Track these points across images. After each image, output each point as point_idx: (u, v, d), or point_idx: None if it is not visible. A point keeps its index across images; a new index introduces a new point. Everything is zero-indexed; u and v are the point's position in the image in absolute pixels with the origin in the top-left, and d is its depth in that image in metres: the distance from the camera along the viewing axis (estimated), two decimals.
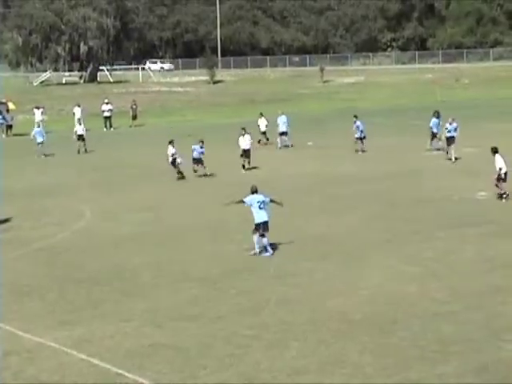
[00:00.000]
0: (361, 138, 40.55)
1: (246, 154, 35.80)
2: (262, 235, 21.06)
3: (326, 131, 50.59)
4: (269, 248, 21.18)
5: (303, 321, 16.05)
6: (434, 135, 39.38)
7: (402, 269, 19.53)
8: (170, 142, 33.93)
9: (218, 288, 18.50)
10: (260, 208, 21.06)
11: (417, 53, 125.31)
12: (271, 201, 21.56)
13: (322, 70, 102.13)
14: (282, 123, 44.11)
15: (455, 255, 20.58)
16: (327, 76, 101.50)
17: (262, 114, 44.93)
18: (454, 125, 36.85)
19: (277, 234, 22.71)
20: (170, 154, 33.61)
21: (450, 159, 36.24)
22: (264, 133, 44.16)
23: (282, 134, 44.13)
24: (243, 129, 36.66)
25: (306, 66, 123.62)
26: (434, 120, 39.22)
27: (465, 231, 23.02)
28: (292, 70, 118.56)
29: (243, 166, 35.66)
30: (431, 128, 39.25)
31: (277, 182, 32.47)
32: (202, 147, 34.12)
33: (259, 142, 43.49)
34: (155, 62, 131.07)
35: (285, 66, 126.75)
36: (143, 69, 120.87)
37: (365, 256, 20.84)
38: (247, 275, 19.48)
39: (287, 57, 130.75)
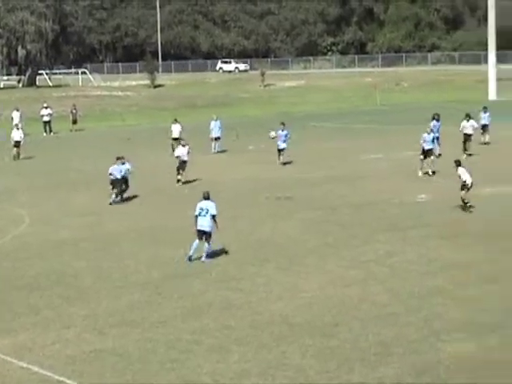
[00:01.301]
0: (281, 149, 37.87)
1: (182, 165, 33.16)
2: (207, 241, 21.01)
3: (267, 135, 50.64)
4: (204, 256, 21.00)
5: (245, 325, 16.08)
6: (467, 137, 39.14)
7: (343, 272, 19.67)
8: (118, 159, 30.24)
9: (159, 293, 18.44)
10: (201, 215, 20.84)
11: (356, 57, 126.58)
12: (213, 216, 20.90)
13: (262, 74, 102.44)
14: (216, 128, 44.00)
15: (395, 258, 20.78)
16: (268, 80, 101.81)
17: (176, 120, 43.62)
18: (431, 135, 34.36)
19: (219, 238, 22.73)
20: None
21: (427, 172, 33.44)
22: (176, 139, 40.82)
23: (216, 139, 43.85)
24: (178, 139, 36.36)
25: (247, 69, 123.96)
26: (466, 122, 39.00)
27: (405, 234, 23.26)
28: (233, 74, 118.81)
29: (178, 180, 33.40)
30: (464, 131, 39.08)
31: (219, 187, 32.44)
32: (123, 163, 30.10)
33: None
34: (229, 62, 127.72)
35: None
36: (219, 69, 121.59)
37: (306, 260, 20.94)
38: (189, 279, 19.45)
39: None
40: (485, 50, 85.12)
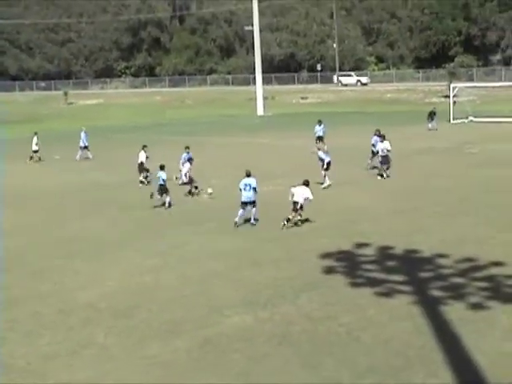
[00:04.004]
0: None
1: None
2: None
3: (71, 146, 49.39)
4: (253, 218, 23.00)
5: (54, 311, 15.55)
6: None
7: (141, 262, 19.46)
8: None
9: None
10: (246, 190, 22.69)
11: (147, 79, 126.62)
12: (254, 189, 22.77)
13: (65, 93, 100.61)
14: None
15: (184, 248, 20.81)
16: (71, 99, 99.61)
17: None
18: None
19: (33, 236, 22.00)
20: None
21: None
22: (36, 151, 40.33)
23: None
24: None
25: (51, 90, 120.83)
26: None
27: (191, 229, 23.29)
28: (39, 94, 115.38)
29: None
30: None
31: (35, 192, 31.37)
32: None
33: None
34: (350, 75, 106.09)
35: (32, 90, 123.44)
36: (338, 83, 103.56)
37: (109, 253, 20.54)
38: (2, 273, 18.56)
39: (34, 82, 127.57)
40: (253, 74, 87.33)
